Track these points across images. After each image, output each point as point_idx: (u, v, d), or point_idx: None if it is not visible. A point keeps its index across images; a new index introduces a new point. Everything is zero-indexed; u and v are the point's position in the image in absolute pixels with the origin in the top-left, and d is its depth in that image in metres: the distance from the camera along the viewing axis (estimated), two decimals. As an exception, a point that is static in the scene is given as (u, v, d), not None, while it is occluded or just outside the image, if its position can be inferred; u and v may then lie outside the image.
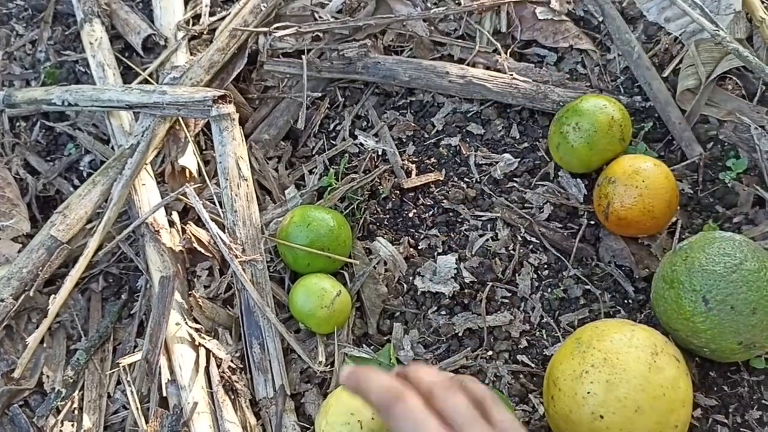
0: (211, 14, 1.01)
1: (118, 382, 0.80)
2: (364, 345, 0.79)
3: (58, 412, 0.78)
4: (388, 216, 0.86)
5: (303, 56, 0.94)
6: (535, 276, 0.80)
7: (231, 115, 0.86)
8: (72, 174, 0.97)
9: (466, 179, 0.87)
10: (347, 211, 0.86)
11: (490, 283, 0.80)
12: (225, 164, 0.84)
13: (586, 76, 0.91)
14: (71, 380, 0.79)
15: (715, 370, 0.73)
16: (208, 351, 0.77)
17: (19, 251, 0.86)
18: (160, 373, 0.76)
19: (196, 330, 0.78)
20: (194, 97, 0.85)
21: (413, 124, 0.91)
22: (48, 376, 0.81)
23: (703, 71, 0.85)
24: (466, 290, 0.79)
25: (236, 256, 0.79)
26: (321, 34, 0.97)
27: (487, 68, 0.92)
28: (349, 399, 0.63)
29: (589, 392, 0.61)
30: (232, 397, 0.76)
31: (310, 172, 0.91)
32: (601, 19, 0.95)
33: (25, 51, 1.08)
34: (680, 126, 0.84)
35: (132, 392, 0.77)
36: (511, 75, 0.90)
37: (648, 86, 0.88)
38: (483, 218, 0.84)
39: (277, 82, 0.97)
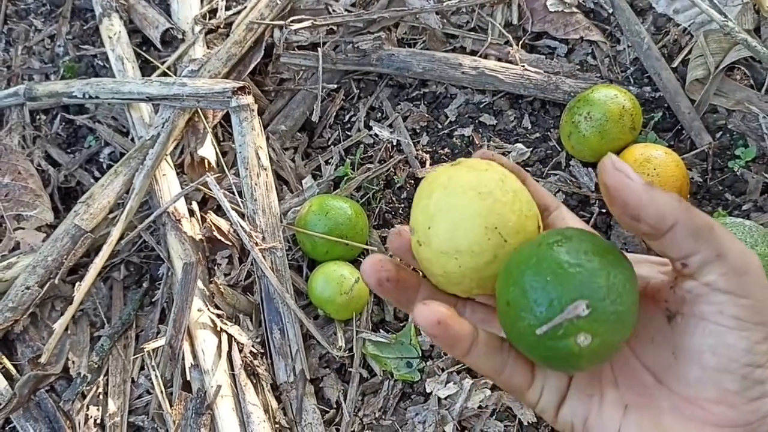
0: (228, 8, 1.03)
1: (142, 368, 0.82)
2: (381, 331, 0.81)
3: (84, 396, 0.80)
4: (403, 205, 0.88)
5: (318, 49, 0.95)
6: (548, 262, 0.82)
7: (250, 106, 0.87)
8: (92, 165, 0.99)
9: (479, 169, 0.89)
10: (363, 200, 0.88)
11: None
12: (245, 154, 0.86)
13: (597, 67, 0.93)
14: (96, 366, 0.81)
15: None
16: (230, 336, 0.79)
17: (43, 240, 0.88)
18: (183, 358, 0.78)
19: (218, 316, 0.80)
20: (214, 89, 0.87)
21: (427, 115, 0.93)
22: (73, 362, 0.83)
23: (711, 62, 0.86)
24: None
25: (256, 244, 0.81)
26: (336, 27, 0.98)
27: (499, 60, 0.94)
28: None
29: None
30: (254, 381, 0.78)
31: (327, 162, 0.92)
32: (610, 10, 0.96)
33: (44, 45, 1.09)
34: (689, 116, 0.86)
35: (156, 376, 0.79)
36: (523, 66, 0.92)
37: (657, 77, 0.89)
38: (496, 207, 0.86)
39: (293, 74, 0.99)
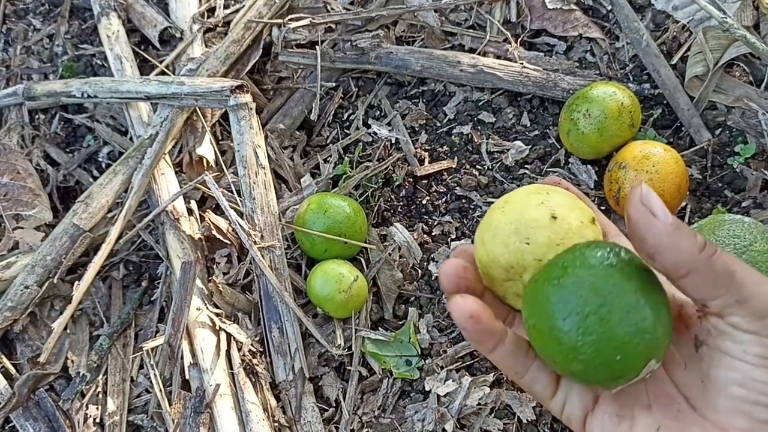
0: (226, 6, 1.03)
1: (141, 367, 0.82)
2: (380, 329, 0.81)
3: (83, 395, 0.80)
4: (402, 203, 0.88)
5: (317, 47, 0.95)
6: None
7: (248, 105, 0.87)
8: (91, 165, 0.99)
9: (478, 166, 0.89)
10: (362, 198, 0.88)
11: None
12: (243, 152, 0.86)
13: (596, 65, 0.93)
14: (95, 365, 0.81)
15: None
16: (228, 335, 0.79)
17: (42, 240, 0.88)
18: (182, 357, 0.78)
19: (217, 315, 0.80)
20: (212, 87, 0.87)
21: (425, 113, 0.93)
22: (72, 361, 0.83)
23: (711, 58, 0.86)
24: (479, 274, 0.81)
25: (255, 243, 0.81)
26: (334, 25, 0.98)
27: (498, 57, 0.94)
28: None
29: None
30: (253, 379, 0.78)
31: (325, 160, 0.92)
32: (609, 8, 0.96)
33: (43, 45, 1.09)
34: (689, 112, 0.86)
35: (155, 375, 0.79)
36: (522, 64, 0.91)
37: (657, 74, 0.89)
38: (495, 204, 0.86)
39: (291, 72, 0.98)
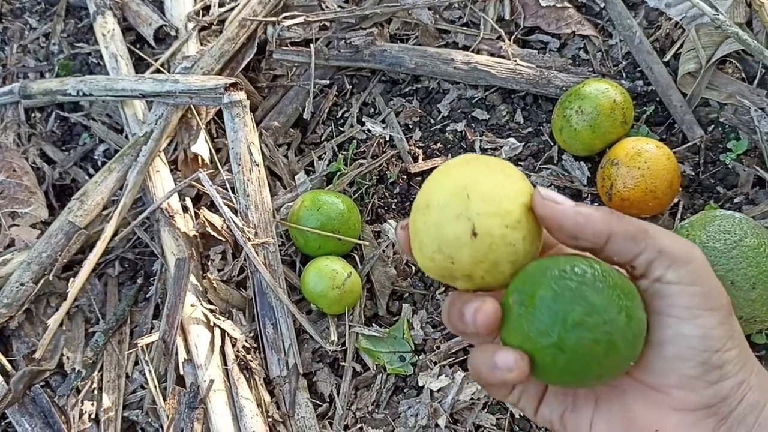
0: (221, 5, 1.03)
1: (136, 363, 0.83)
2: (374, 325, 0.81)
3: (78, 392, 0.80)
4: (396, 200, 0.88)
5: (311, 45, 0.96)
6: (540, 256, 0.82)
7: (242, 102, 0.88)
8: (87, 163, 0.99)
9: (471, 163, 0.89)
10: (356, 195, 0.88)
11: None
12: (237, 150, 0.86)
13: (589, 62, 0.93)
14: (90, 361, 0.82)
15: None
16: (222, 331, 0.80)
17: (38, 237, 0.88)
18: (176, 353, 0.78)
19: (211, 311, 0.81)
20: (206, 85, 0.87)
21: (419, 111, 0.93)
22: (68, 358, 0.83)
23: (703, 55, 0.86)
24: (472, 271, 0.81)
25: (249, 239, 0.81)
26: (328, 23, 0.99)
27: (492, 55, 0.94)
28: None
29: None
30: (247, 375, 0.78)
31: (319, 158, 0.93)
32: (602, 5, 0.96)
33: (39, 44, 1.10)
34: (681, 109, 0.86)
35: (150, 371, 0.79)
36: (515, 61, 0.92)
37: (649, 71, 0.89)
38: (489, 201, 0.86)
39: (285, 70, 0.99)
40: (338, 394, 0.78)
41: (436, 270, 0.41)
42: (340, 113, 0.96)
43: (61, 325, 0.84)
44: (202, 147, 0.91)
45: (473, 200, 0.39)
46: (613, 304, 0.37)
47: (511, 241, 0.39)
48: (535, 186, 0.40)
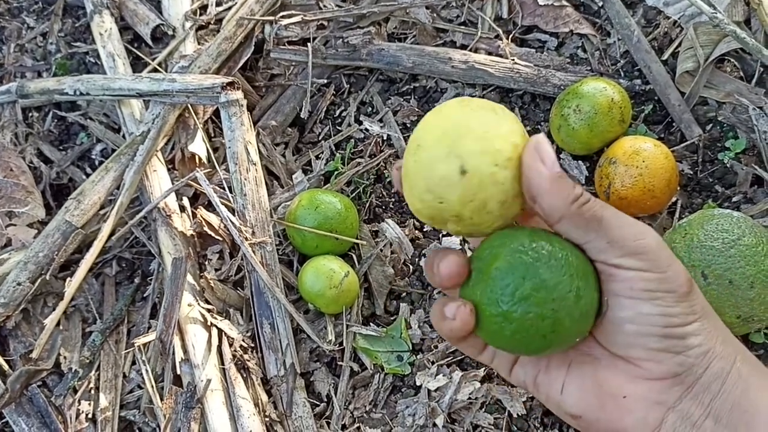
0: (218, 4, 1.03)
1: (133, 362, 0.82)
2: (372, 324, 0.81)
3: (75, 391, 0.80)
4: (393, 199, 0.88)
5: (308, 44, 0.95)
6: (538, 255, 0.82)
7: (239, 101, 0.88)
8: (84, 162, 0.99)
9: (469, 162, 0.89)
10: (353, 194, 0.88)
11: (494, 263, 0.82)
12: (234, 149, 0.86)
13: (587, 61, 0.93)
14: (87, 361, 0.81)
15: (715, 345, 0.74)
16: (220, 331, 0.80)
17: (35, 237, 0.88)
18: (173, 353, 0.78)
19: (208, 310, 0.80)
20: (203, 84, 0.87)
21: (417, 110, 0.93)
22: (65, 357, 0.83)
23: (701, 54, 0.86)
24: (470, 270, 0.81)
25: (246, 239, 0.81)
26: (326, 22, 0.98)
27: (489, 54, 0.94)
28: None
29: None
30: (244, 375, 0.78)
31: (317, 157, 0.93)
32: (600, 4, 0.96)
33: (37, 43, 1.10)
34: (680, 108, 0.86)
35: (147, 371, 0.79)
36: (513, 60, 0.91)
37: (648, 69, 0.89)
38: (486, 200, 0.86)
39: (283, 69, 0.99)
40: (336, 393, 0.78)
41: (426, 212, 0.41)
42: (337, 112, 0.96)
43: (58, 324, 0.84)
44: (199, 146, 0.91)
45: (463, 139, 0.39)
46: (563, 283, 0.38)
47: (500, 180, 0.39)
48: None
